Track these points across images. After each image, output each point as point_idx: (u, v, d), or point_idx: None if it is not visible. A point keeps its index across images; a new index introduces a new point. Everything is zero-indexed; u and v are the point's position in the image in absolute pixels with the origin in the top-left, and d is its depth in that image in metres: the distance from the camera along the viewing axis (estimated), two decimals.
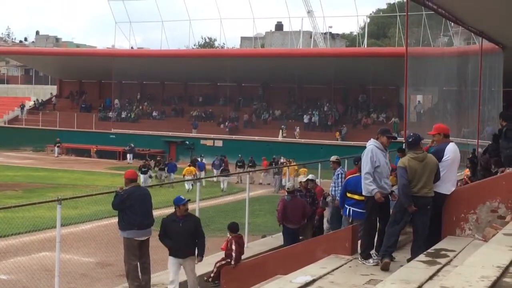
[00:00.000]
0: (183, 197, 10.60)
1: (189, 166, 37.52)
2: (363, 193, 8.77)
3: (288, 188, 14.02)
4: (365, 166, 8.65)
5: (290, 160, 36.35)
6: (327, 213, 14.31)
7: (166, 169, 35.98)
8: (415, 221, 8.43)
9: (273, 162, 38.57)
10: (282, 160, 38.04)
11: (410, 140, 8.48)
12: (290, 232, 13.57)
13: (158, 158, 36.60)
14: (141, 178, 31.20)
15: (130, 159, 49.60)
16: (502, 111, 14.50)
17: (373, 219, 8.74)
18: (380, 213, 8.68)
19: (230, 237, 11.58)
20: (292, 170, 32.54)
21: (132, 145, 50.72)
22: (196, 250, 10.56)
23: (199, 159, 40.03)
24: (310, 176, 14.90)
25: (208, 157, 42.20)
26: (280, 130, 51.18)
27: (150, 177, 34.26)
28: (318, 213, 14.38)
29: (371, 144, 8.76)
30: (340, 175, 13.54)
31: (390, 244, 8.34)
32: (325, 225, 14.43)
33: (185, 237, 10.37)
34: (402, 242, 8.83)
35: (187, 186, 32.86)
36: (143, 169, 33.51)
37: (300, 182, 14.44)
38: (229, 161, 39.81)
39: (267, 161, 39.42)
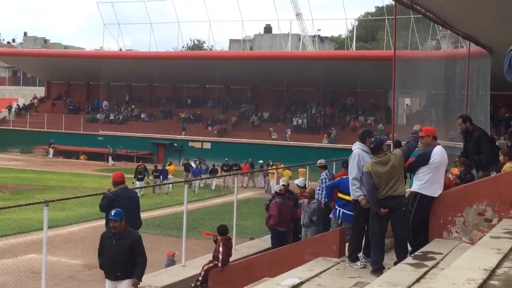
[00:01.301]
0: (119, 213, 9.07)
1: (169, 165, 37.44)
2: (351, 197, 8.81)
3: (280, 190, 14.03)
4: (352, 171, 8.67)
5: (277, 163, 36.37)
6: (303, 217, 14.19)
7: (161, 176, 34.92)
8: (392, 224, 8.44)
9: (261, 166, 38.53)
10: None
11: (372, 146, 8.50)
12: (280, 234, 13.60)
13: (140, 163, 35.76)
14: (137, 184, 30.60)
15: (111, 161, 49.45)
16: (464, 114, 14.48)
17: (361, 222, 8.76)
18: (368, 216, 8.68)
19: (219, 239, 11.56)
20: (280, 172, 32.56)
21: (111, 148, 50.51)
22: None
23: (192, 163, 39.52)
24: (283, 181, 14.94)
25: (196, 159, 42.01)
26: (271, 133, 51.20)
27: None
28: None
29: (357, 148, 8.78)
30: (324, 180, 13.54)
31: (378, 258, 8.31)
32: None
33: (118, 257, 8.93)
34: (388, 245, 8.84)
35: (196, 189, 32.76)
36: (139, 176, 32.47)
37: (282, 185, 14.47)
38: (216, 164, 39.76)
39: (248, 164, 39.47)
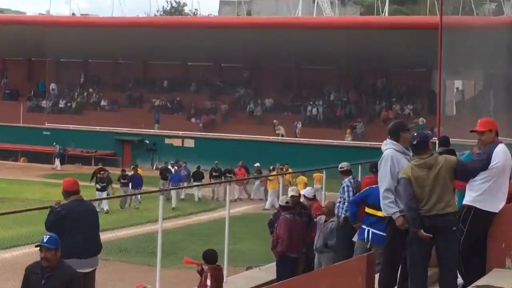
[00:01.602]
0: (54, 240, 8.72)
1: (135, 168, 37.37)
2: (383, 214, 8.81)
3: (286, 203, 13.98)
4: (383, 179, 8.62)
5: (283, 166, 36.33)
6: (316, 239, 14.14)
7: (130, 185, 34.40)
8: (438, 249, 8.43)
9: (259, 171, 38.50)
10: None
11: (415, 142, 8.42)
12: (290, 262, 13.58)
13: (100, 166, 35.43)
14: (97, 195, 30.45)
15: (58, 164, 49.46)
16: None
17: (396, 246, 8.74)
18: (406, 237, 8.66)
19: (205, 268, 11.56)
20: (288, 179, 32.62)
21: (59, 146, 50.50)
22: None
23: (170, 167, 39.34)
24: (291, 191, 14.81)
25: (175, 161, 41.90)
26: (275, 127, 51.20)
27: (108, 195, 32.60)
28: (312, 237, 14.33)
29: (389, 148, 8.73)
30: (347, 188, 13.53)
31: None
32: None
33: None
34: (433, 277, 8.85)
35: (174, 202, 32.64)
36: (100, 185, 32.25)
37: (291, 196, 14.39)
38: (202, 167, 39.60)
39: (243, 169, 39.25)
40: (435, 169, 8.26)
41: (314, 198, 15.20)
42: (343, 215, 12.99)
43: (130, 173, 35.80)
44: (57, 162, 49.84)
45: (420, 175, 8.26)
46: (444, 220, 8.23)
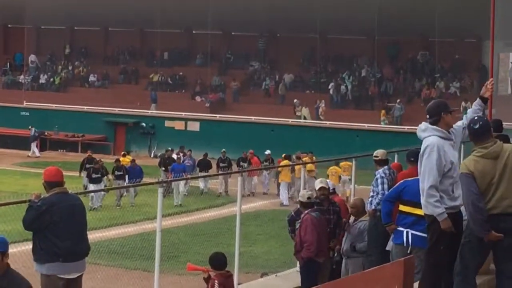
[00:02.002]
0: (3, 242, 8.74)
1: (123, 156, 37.32)
2: (425, 212, 8.76)
3: (308, 199, 13.93)
4: (428, 173, 8.53)
5: (307, 154, 36.21)
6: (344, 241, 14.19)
7: (126, 177, 34.11)
8: (497, 256, 8.41)
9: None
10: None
11: (478, 127, 8.36)
12: (316, 268, 13.58)
13: (88, 154, 35.41)
14: (90, 187, 30.66)
15: (36, 150, 49.67)
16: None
17: (440, 250, 8.71)
18: (452, 240, 8.67)
19: (213, 275, 11.58)
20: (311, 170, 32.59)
21: (35, 129, 50.48)
22: None
23: (174, 156, 39.00)
24: (320, 183, 14.72)
25: (177, 148, 41.81)
26: (296, 107, 51.16)
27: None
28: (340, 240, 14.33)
29: (433, 135, 8.59)
30: (381, 179, 13.48)
31: None
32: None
33: None
34: (484, 287, 8.84)
35: (176, 199, 32.57)
36: (93, 175, 32.35)
37: (320, 188, 14.34)
38: (209, 156, 39.48)
39: (257, 156, 38.83)
40: (502, 159, 8.20)
41: (333, 192, 15.13)
42: (373, 207, 13.01)
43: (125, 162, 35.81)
44: (34, 147, 49.80)
45: (485, 168, 8.18)
46: (510, 221, 8.18)
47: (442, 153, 8.50)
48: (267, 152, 38.43)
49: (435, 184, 8.46)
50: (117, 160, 36.45)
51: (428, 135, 8.63)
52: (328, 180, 15.57)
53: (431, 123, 8.63)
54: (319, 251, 13.64)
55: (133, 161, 36.15)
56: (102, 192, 30.97)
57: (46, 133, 51.50)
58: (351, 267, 13.13)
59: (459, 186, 8.58)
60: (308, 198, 13.94)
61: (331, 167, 33.00)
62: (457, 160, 8.68)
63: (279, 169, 34.13)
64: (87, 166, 33.97)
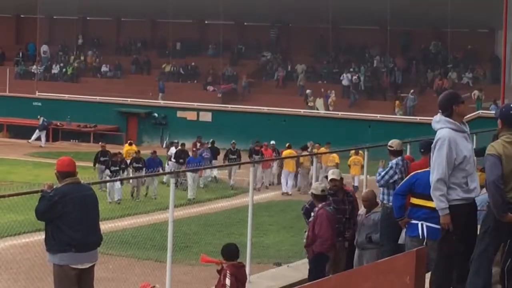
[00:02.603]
0: None
1: (129, 144, 37.13)
2: (436, 206, 8.76)
3: (322, 191, 13.86)
4: (437, 167, 8.53)
5: (319, 145, 36.14)
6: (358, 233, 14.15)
7: (144, 170, 33.13)
8: (511, 247, 8.40)
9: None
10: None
11: (505, 110, 8.37)
12: (325, 260, 13.59)
13: (102, 144, 35.34)
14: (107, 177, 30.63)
15: (43, 140, 49.68)
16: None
17: (452, 241, 8.71)
18: (465, 231, 8.65)
19: (225, 266, 11.57)
20: (326, 160, 32.58)
21: (44, 119, 50.45)
22: None
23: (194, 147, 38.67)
24: (332, 174, 14.66)
25: (189, 139, 41.75)
26: (308, 98, 51.05)
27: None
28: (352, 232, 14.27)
29: (445, 127, 8.57)
30: (394, 169, 13.40)
31: None
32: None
33: None
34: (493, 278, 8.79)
35: (191, 192, 32.27)
36: (112, 168, 32.09)
37: (332, 179, 14.29)
38: (221, 147, 39.27)
39: (270, 148, 38.47)
40: None
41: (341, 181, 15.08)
42: (382, 182, 13.07)
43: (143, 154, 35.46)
44: (42, 136, 49.69)
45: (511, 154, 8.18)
46: None
47: (454, 146, 8.49)
48: (272, 142, 38.06)
49: (443, 178, 8.47)
50: (136, 152, 35.77)
51: (441, 127, 8.63)
52: (337, 172, 15.41)
53: (446, 116, 8.62)
54: (333, 246, 13.68)
55: (153, 152, 35.42)
56: (120, 185, 30.90)
57: (57, 123, 51.39)
58: (365, 258, 13.11)
59: (474, 179, 8.59)
60: (322, 191, 13.83)
61: (352, 157, 33.04)
62: (470, 152, 8.65)
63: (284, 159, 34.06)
64: (101, 159, 33.72)
